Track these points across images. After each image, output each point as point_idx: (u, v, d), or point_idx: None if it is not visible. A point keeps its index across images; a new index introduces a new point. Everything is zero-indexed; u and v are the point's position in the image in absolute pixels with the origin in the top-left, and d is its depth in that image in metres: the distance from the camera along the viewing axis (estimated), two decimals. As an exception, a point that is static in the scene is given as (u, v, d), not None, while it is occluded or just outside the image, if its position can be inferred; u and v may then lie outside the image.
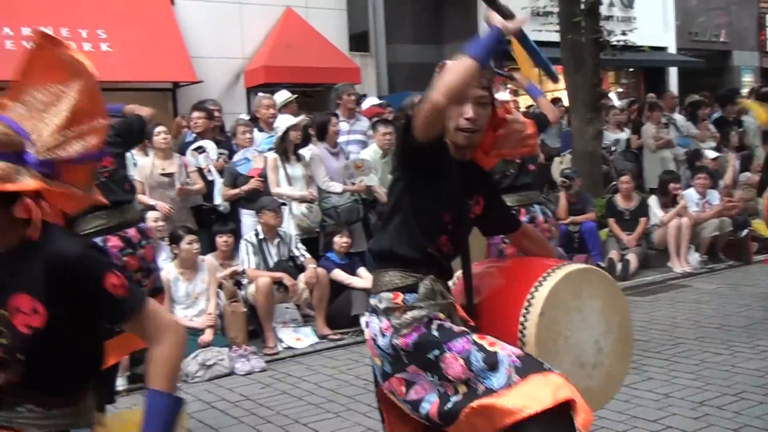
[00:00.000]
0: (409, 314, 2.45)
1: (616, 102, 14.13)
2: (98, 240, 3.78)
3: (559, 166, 10.40)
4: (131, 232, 3.92)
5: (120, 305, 1.90)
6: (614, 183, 10.16)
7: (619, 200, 9.40)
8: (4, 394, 1.91)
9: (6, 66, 10.72)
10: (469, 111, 2.52)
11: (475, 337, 2.39)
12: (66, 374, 1.94)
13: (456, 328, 2.44)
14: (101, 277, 1.86)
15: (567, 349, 2.61)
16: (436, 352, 2.38)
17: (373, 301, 2.56)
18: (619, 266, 8.76)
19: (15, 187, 1.79)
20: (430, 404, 2.40)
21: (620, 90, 19.18)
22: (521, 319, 2.55)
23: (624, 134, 11.57)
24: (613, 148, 11.31)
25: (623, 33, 11.39)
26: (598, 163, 10.52)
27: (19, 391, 1.90)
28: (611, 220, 9.32)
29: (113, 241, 3.82)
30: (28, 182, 1.82)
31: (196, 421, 4.91)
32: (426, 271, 2.51)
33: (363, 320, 2.66)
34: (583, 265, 2.75)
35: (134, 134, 4.63)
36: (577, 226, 8.92)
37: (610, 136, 11.34)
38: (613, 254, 8.94)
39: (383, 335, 2.48)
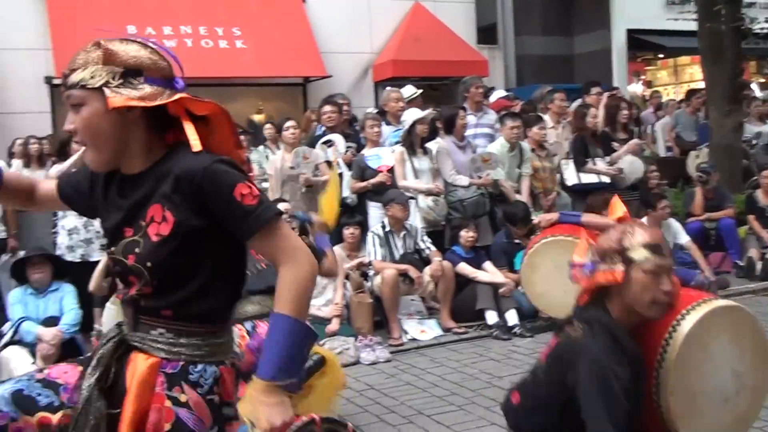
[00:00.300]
0: None
1: (758, 93, 13.46)
2: (248, 325, 3.86)
3: (696, 160, 10.00)
4: None
5: (249, 215, 1.84)
6: (755, 178, 9.65)
7: (760, 196, 8.93)
8: (140, 310, 1.95)
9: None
10: (668, 283, 2.39)
11: None
12: (196, 299, 1.92)
13: None
14: (231, 187, 1.84)
15: (706, 400, 2.53)
16: None
17: None
18: (759, 265, 8.32)
19: (153, 102, 1.87)
20: None
21: (762, 80, 18.24)
22: (655, 397, 2.47)
23: (767, 127, 11.00)
24: (754, 142, 10.77)
25: (767, 20, 10.83)
26: (737, 157, 10.06)
27: (153, 311, 1.94)
28: (751, 217, 8.86)
29: (262, 327, 3.83)
30: (167, 99, 1.89)
31: (323, 408, 5.02)
32: None
33: None
34: (698, 314, 2.59)
35: None
36: (713, 223, 8.55)
37: (752, 128, 10.81)
38: (753, 253, 8.50)
39: None
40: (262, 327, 3.85)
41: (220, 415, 1.94)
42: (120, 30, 11.23)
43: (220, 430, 1.93)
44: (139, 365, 1.92)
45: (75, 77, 1.88)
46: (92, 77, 1.86)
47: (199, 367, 1.92)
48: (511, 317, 6.69)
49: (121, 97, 1.85)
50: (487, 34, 15.16)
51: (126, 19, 11.44)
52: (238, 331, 3.83)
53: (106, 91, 1.85)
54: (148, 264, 1.88)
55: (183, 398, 1.89)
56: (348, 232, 7.08)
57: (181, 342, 1.93)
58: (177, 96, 1.90)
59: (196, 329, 1.94)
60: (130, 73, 1.88)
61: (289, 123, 7.41)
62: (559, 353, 2.45)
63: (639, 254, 2.37)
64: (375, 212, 7.37)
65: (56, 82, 11.41)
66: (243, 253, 2.02)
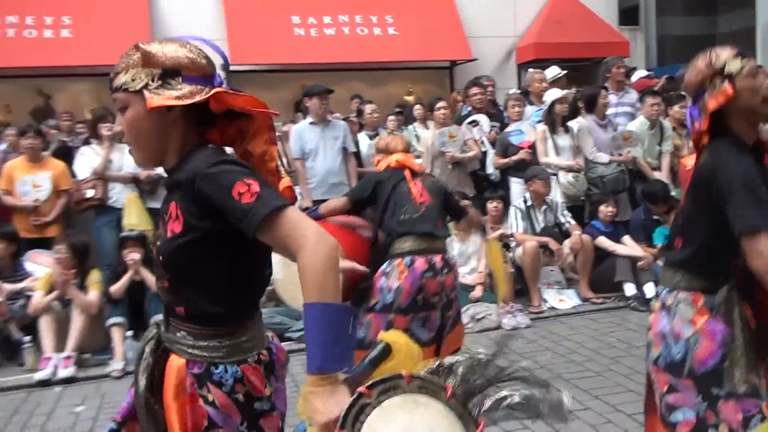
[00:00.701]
0: (705, 322, 2.29)
1: None
2: (407, 259, 3.96)
3: None
4: (437, 258, 4.02)
5: (246, 213, 1.69)
6: None
7: None
8: (166, 308, 1.93)
9: (294, 50, 11.49)
10: (765, 77, 2.31)
11: (764, 404, 2.24)
12: (206, 300, 1.85)
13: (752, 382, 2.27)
14: (229, 187, 1.72)
15: None
16: (722, 393, 2.24)
17: (668, 300, 2.39)
18: None
19: (191, 100, 1.82)
20: (684, 418, 2.30)
21: None
22: None
23: None
24: None
25: None
26: None
27: (171, 308, 1.90)
28: None
29: (419, 262, 3.95)
30: (200, 97, 1.82)
31: (467, 368, 5.08)
32: (724, 281, 2.32)
33: (654, 303, 2.46)
34: None
35: None
36: None
37: None
38: None
39: (675, 341, 2.34)
40: (419, 261, 3.96)
41: (251, 410, 1.87)
42: (285, 19, 11.65)
43: (252, 425, 1.87)
44: (171, 366, 1.92)
45: (118, 81, 1.86)
46: (133, 80, 1.83)
47: (220, 368, 1.86)
48: (649, 290, 6.50)
49: (159, 97, 1.81)
50: (628, 15, 14.55)
51: (291, 10, 11.81)
52: (398, 267, 3.95)
53: (146, 93, 1.82)
54: (161, 257, 1.87)
55: (210, 397, 1.85)
56: (491, 205, 7.09)
57: (200, 345, 1.88)
58: (213, 91, 1.83)
59: (211, 332, 1.88)
60: (169, 73, 1.83)
61: (440, 104, 7.47)
62: (697, 177, 2.35)
63: (735, 65, 2.29)
64: (516, 187, 7.33)
65: (231, 68, 11.92)
66: (256, 258, 1.91)
